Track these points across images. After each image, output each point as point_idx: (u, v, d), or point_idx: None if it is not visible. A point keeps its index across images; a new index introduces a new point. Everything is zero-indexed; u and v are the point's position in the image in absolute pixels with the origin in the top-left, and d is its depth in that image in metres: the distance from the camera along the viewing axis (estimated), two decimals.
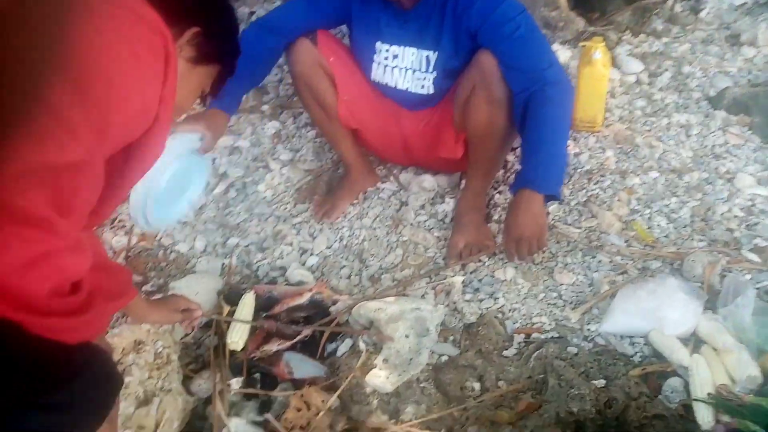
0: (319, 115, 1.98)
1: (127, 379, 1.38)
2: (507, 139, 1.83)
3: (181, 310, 1.42)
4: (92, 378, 0.90)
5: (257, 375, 1.56)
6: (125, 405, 1.36)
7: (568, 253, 1.84)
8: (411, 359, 1.50)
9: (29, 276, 0.75)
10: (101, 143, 0.82)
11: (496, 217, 1.98)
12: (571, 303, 1.70)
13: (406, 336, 1.55)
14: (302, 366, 1.57)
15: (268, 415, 1.48)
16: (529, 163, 1.67)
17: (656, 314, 1.53)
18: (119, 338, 1.45)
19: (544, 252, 1.81)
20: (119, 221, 2.06)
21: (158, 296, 1.72)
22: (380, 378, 1.46)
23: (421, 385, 1.53)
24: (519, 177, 1.69)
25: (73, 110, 0.77)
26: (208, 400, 1.57)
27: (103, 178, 0.85)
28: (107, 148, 0.85)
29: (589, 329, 1.61)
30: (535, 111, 1.63)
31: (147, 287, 1.85)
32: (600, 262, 1.81)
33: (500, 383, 1.51)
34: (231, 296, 1.75)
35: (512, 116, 1.71)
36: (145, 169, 0.98)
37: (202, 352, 1.69)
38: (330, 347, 1.67)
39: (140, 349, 1.46)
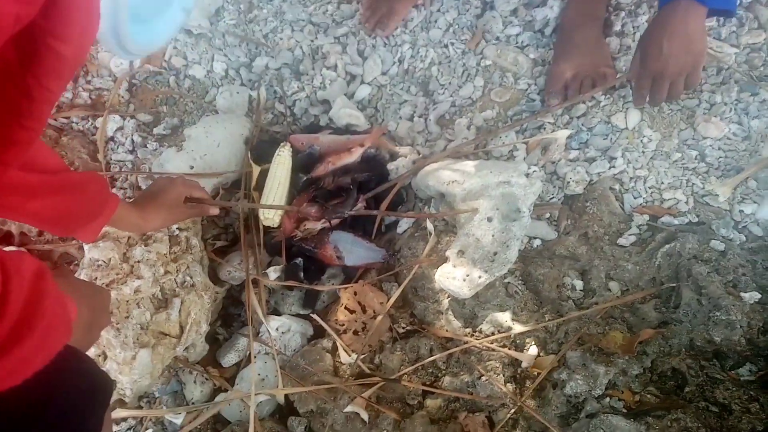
0: None
1: (136, 283, 1.09)
2: None
3: (187, 201, 1.06)
4: (68, 399, 0.62)
5: (299, 260, 1.26)
6: (139, 312, 1.10)
7: (718, 88, 1.31)
8: (495, 253, 1.14)
9: None
10: None
11: (617, 27, 1.41)
12: (717, 168, 1.23)
13: (489, 219, 1.16)
14: (354, 250, 1.24)
15: (316, 317, 1.21)
16: None
17: None
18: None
19: (694, 92, 1.29)
20: None
21: (171, 150, 1.35)
22: (455, 280, 1.12)
23: (506, 280, 1.20)
24: None
25: None
26: (243, 284, 1.31)
27: None
28: None
29: (742, 211, 1.18)
30: None
31: (159, 129, 1.47)
32: (763, 102, 1.28)
33: (611, 284, 1.16)
34: (261, 150, 1.36)
35: None
36: None
37: (231, 221, 1.38)
38: (388, 219, 1.32)
39: (149, 238, 1.14)
